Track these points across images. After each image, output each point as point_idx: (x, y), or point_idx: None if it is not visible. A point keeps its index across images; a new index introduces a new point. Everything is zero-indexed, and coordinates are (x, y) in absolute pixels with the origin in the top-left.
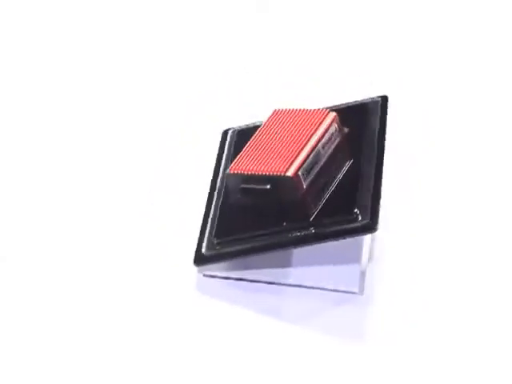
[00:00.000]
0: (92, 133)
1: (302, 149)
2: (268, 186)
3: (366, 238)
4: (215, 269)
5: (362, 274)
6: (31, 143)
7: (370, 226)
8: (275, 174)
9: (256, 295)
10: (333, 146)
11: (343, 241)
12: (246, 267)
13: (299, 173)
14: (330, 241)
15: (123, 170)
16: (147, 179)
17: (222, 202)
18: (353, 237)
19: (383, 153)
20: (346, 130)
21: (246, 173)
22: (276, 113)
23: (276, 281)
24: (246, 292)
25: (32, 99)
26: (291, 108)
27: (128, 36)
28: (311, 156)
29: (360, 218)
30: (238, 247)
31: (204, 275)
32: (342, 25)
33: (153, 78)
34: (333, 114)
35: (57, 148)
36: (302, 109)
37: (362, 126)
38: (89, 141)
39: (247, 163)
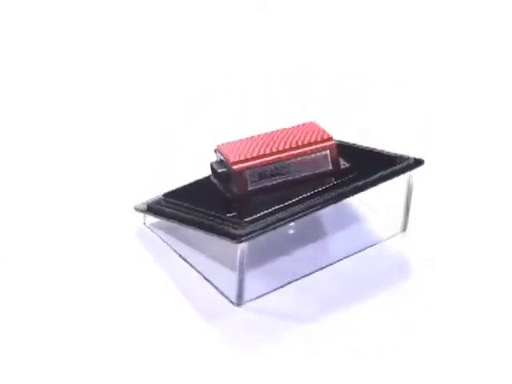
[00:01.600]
0: (92, 133)
1: (268, 154)
2: (219, 170)
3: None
4: (158, 226)
5: (240, 284)
6: (32, 144)
7: (237, 236)
8: (228, 162)
9: (177, 263)
10: (316, 171)
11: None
12: (176, 236)
13: (246, 172)
14: (205, 232)
15: (124, 170)
16: (148, 179)
17: (207, 176)
18: (220, 238)
19: (325, 203)
20: (344, 165)
21: (222, 153)
22: (306, 123)
23: (186, 258)
24: (174, 257)
25: (33, 99)
26: (322, 127)
27: (128, 36)
28: (274, 165)
29: (241, 228)
30: (170, 211)
31: (143, 224)
32: (341, 24)
33: (153, 78)
34: (330, 143)
35: (57, 148)
36: (325, 130)
37: (366, 173)
38: (90, 141)
39: (232, 147)
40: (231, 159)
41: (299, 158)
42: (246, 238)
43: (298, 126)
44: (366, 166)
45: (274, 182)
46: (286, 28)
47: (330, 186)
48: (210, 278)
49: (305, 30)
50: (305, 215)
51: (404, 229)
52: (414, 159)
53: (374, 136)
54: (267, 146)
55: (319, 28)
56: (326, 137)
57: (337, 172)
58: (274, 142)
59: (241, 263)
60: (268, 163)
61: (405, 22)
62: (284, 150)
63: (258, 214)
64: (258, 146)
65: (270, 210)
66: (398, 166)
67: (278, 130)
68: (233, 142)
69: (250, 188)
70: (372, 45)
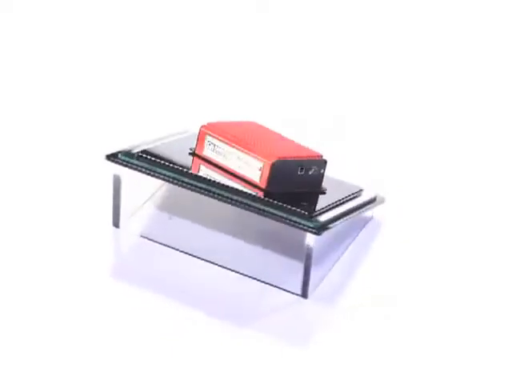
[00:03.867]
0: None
1: (233, 137)
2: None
3: None
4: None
5: (115, 209)
6: (29, 143)
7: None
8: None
9: None
10: (246, 175)
11: None
12: None
13: (207, 136)
14: None
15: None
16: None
17: None
18: None
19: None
20: (268, 187)
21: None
22: (312, 151)
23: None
24: None
25: (21, 97)
26: (304, 152)
27: (128, 36)
28: (226, 145)
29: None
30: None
31: None
32: (341, 25)
33: (151, 78)
34: (270, 161)
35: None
36: (294, 152)
37: (278, 206)
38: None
39: (236, 123)
40: (209, 123)
41: (240, 153)
42: (116, 161)
43: (299, 144)
44: (288, 202)
45: (219, 161)
46: (286, 28)
47: (236, 189)
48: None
49: (304, 30)
50: (181, 186)
51: (304, 295)
52: (321, 225)
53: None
54: (247, 134)
55: (319, 28)
56: (276, 155)
57: (260, 188)
58: (257, 135)
59: (114, 190)
60: (223, 141)
61: (404, 21)
62: (243, 141)
63: (162, 163)
64: (244, 130)
65: (173, 166)
66: (301, 221)
67: (280, 134)
68: (252, 123)
69: (204, 152)
70: (372, 44)
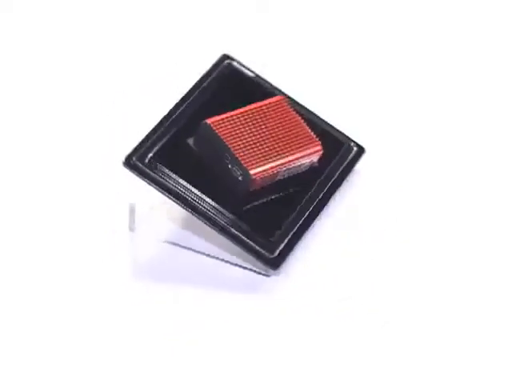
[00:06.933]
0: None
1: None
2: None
3: None
4: None
5: None
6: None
7: None
8: None
9: None
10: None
11: None
12: None
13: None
14: None
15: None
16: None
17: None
18: None
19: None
20: (194, 140)
21: None
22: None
23: None
24: None
25: (21, 98)
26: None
27: (126, 36)
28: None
29: None
30: None
31: None
32: (342, 25)
33: (150, 80)
34: (205, 121)
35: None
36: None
37: None
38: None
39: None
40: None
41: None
42: None
43: (275, 152)
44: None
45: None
46: (286, 28)
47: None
48: None
49: (305, 31)
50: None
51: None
52: (138, 167)
53: None
54: (269, 120)
55: (320, 28)
56: (216, 125)
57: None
58: (269, 125)
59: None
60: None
61: (405, 21)
62: (250, 111)
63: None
64: (279, 116)
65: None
66: (143, 157)
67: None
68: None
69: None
70: (372, 44)
